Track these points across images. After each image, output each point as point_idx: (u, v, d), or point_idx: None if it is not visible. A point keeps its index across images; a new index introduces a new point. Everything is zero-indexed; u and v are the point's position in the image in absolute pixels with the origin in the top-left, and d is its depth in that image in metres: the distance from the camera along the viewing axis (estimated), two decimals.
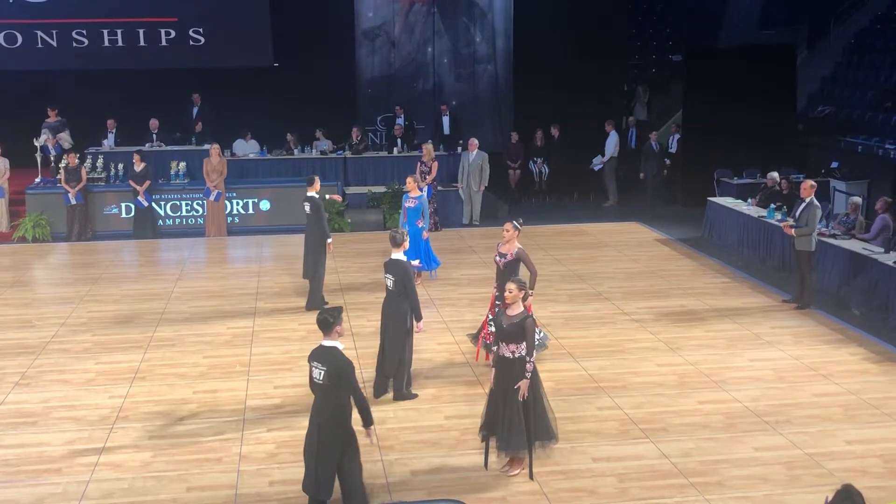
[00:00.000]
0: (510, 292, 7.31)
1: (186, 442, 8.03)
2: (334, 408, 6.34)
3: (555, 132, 19.60)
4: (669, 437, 8.05)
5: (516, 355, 7.19)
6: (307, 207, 11.65)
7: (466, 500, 6.86)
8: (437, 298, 12.24)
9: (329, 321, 6.46)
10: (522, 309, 7.32)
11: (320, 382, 6.39)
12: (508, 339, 7.21)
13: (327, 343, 6.44)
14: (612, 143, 19.26)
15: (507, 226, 9.54)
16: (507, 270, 9.40)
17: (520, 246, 9.48)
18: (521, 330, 7.18)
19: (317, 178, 11.88)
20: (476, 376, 9.44)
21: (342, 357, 6.39)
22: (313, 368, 6.44)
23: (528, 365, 7.16)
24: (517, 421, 7.19)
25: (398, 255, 8.95)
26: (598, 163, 19.41)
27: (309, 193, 11.69)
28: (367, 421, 6.43)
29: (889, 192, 14.91)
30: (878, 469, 7.49)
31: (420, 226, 12.75)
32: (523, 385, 7.15)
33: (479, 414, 8.51)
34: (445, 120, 19.85)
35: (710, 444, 7.93)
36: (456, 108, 20.69)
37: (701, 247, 15.42)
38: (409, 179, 13.06)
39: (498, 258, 9.53)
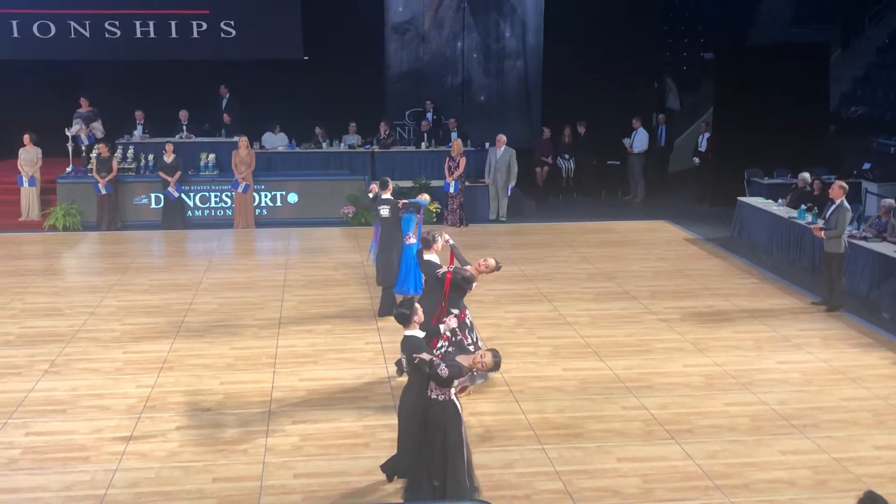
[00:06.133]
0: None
1: (213, 433, 8.08)
2: (419, 390, 6.69)
3: (581, 129, 19.51)
4: (695, 439, 8.01)
5: (441, 398, 6.57)
6: (385, 211, 11.22)
7: (491, 497, 6.86)
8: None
9: (406, 314, 6.91)
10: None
11: (406, 370, 6.96)
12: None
13: (408, 333, 6.88)
14: (641, 139, 19.19)
15: (491, 263, 8.88)
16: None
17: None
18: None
19: (390, 181, 11.61)
20: (501, 373, 9.38)
21: (414, 341, 6.80)
22: (401, 357, 7.08)
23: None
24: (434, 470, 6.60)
25: (430, 256, 9.01)
26: (627, 144, 19.30)
27: (384, 196, 11.30)
28: (445, 383, 6.46)
29: None
30: None
31: (411, 241, 10.89)
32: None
33: (507, 411, 8.53)
34: (429, 116, 19.76)
35: (735, 446, 7.88)
36: (484, 103, 20.66)
37: (730, 247, 15.31)
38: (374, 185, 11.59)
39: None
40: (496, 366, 6.66)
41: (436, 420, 6.53)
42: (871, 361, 9.94)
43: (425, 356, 6.52)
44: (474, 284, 8.76)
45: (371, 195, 11.64)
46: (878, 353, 10.18)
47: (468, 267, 8.91)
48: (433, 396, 6.53)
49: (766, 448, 7.85)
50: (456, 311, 8.73)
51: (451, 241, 9.22)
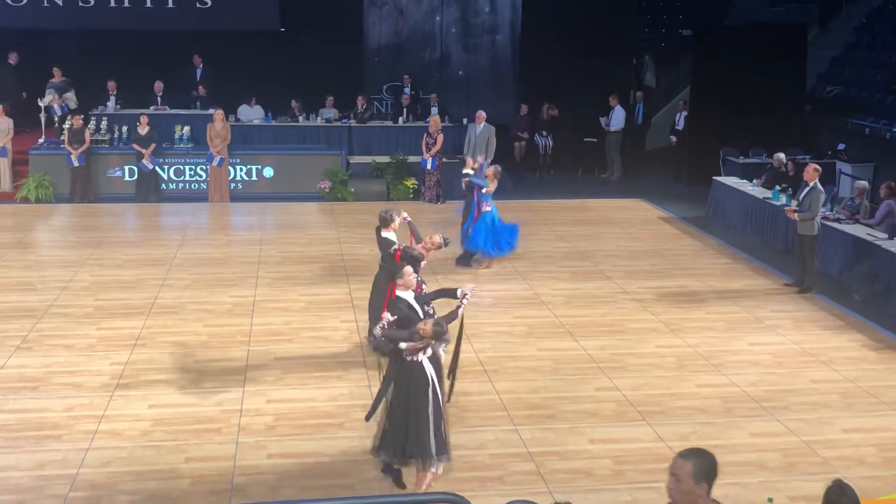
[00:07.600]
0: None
1: (186, 412, 8.07)
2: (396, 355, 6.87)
3: (554, 112, 19.50)
4: (667, 421, 8.07)
5: (409, 359, 6.73)
6: (465, 185, 12.98)
7: (464, 478, 6.92)
8: (439, 275, 12.21)
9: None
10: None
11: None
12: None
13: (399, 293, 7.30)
14: (619, 117, 19.20)
15: (436, 239, 9.18)
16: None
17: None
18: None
19: (468, 159, 14.29)
20: (475, 352, 9.42)
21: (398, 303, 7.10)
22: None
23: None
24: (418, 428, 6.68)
25: (388, 234, 9.17)
26: (604, 122, 19.31)
27: (465, 170, 13.25)
28: (378, 346, 6.99)
29: (895, 176, 14.82)
30: (874, 458, 7.51)
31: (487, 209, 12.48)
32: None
33: (481, 391, 8.55)
34: (406, 90, 19.65)
35: (707, 428, 7.96)
36: (462, 78, 20.57)
37: (704, 226, 15.38)
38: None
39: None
40: (436, 335, 6.59)
41: (405, 380, 6.68)
42: (842, 344, 10.05)
43: (387, 315, 6.89)
44: (423, 263, 8.88)
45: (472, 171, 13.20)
46: (849, 336, 10.29)
47: (417, 246, 9.15)
48: (408, 359, 6.66)
49: (736, 430, 7.93)
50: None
51: (409, 219, 9.50)
